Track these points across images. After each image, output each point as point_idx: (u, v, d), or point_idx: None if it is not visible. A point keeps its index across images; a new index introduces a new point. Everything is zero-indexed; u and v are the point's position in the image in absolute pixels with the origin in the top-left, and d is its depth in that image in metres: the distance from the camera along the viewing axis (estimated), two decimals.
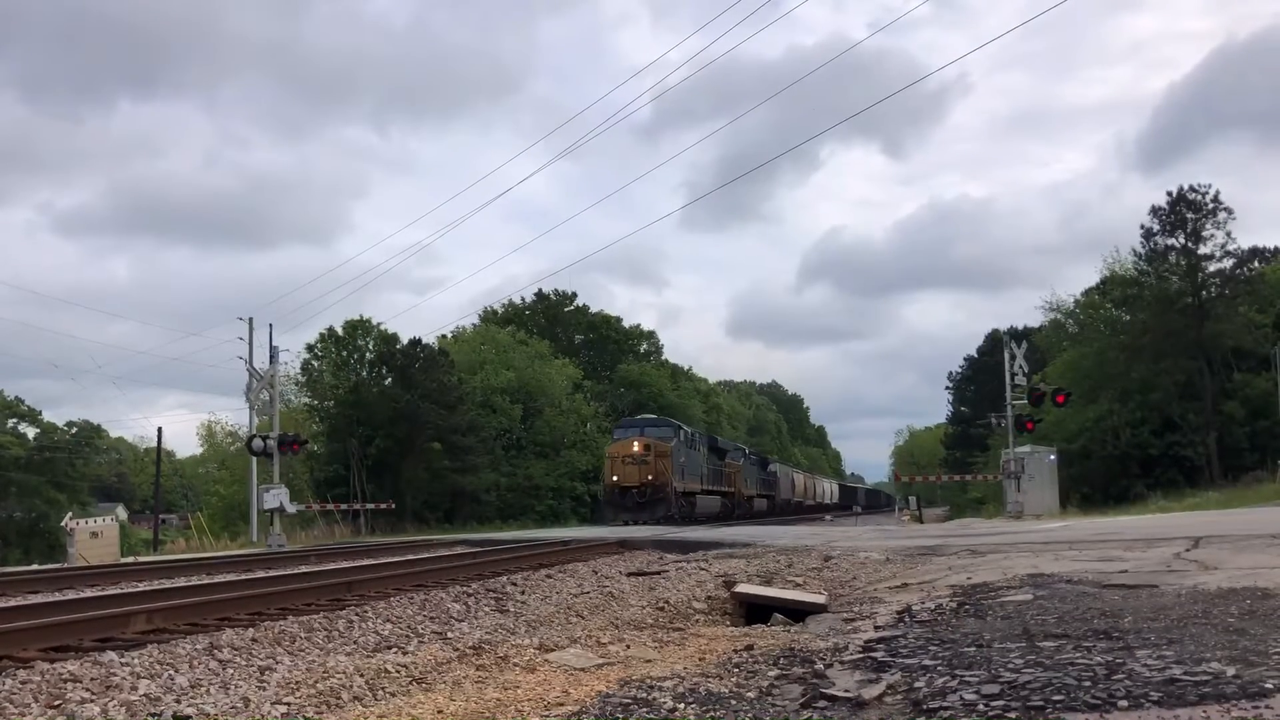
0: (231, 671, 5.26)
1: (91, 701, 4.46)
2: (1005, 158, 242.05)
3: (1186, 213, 41.51)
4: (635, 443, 33.73)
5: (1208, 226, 41.20)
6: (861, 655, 4.71)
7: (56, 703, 4.43)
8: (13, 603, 7.76)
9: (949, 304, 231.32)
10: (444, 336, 55.94)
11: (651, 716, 3.70)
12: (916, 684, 3.89)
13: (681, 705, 3.81)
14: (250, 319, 32.83)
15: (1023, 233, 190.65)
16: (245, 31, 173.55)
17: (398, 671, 4.98)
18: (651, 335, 79.48)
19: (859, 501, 76.34)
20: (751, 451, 54.11)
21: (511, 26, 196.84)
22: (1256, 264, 47.89)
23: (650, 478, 32.54)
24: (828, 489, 73.04)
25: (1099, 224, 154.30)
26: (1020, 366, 30.15)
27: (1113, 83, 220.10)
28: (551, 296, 72.35)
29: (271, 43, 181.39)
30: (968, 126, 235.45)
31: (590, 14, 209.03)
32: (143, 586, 9.40)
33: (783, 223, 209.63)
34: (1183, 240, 41.78)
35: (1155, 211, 42.39)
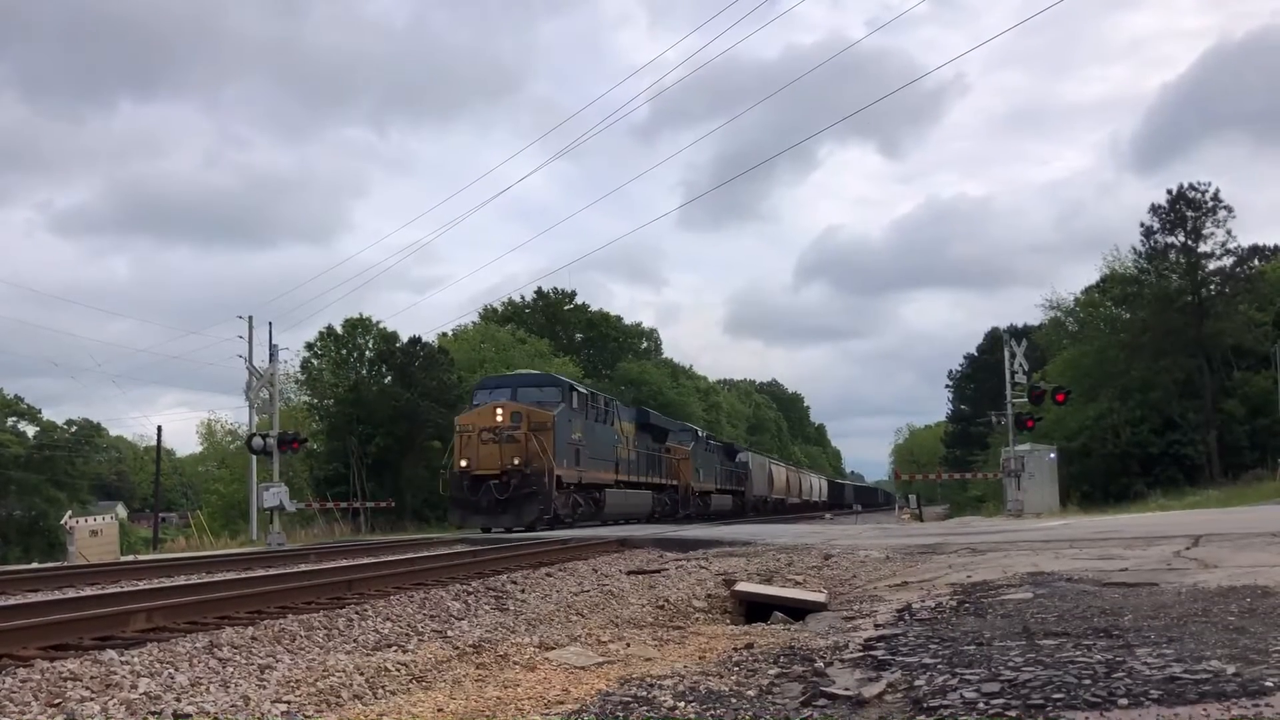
0: (231, 670, 5.25)
1: (91, 700, 4.45)
2: (1003, 156, 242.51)
3: (1186, 211, 41.53)
4: (498, 410, 22.94)
5: (1208, 225, 41.26)
6: (862, 653, 4.71)
7: (56, 701, 4.42)
8: (12, 601, 7.76)
9: (947, 303, 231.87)
10: (444, 335, 55.96)
11: (652, 715, 3.69)
12: (917, 682, 3.89)
13: (682, 704, 3.80)
14: (250, 317, 32.78)
15: (1020, 231, 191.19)
16: (246, 32, 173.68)
17: (398, 670, 4.97)
18: (651, 333, 79.57)
19: (849, 499, 73.68)
20: (710, 436, 44.00)
21: (510, 27, 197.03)
22: (1256, 262, 47.91)
23: (517, 462, 22.11)
24: (816, 485, 66.33)
25: (1096, 222, 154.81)
26: (1020, 365, 30.15)
27: (1111, 80, 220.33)
28: (551, 295, 72.40)
29: (272, 43, 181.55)
30: (965, 125, 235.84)
31: (588, 14, 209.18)
32: (142, 585, 9.40)
33: (780, 222, 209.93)
34: (1183, 238, 41.82)
35: (1155, 209, 42.46)
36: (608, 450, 27.11)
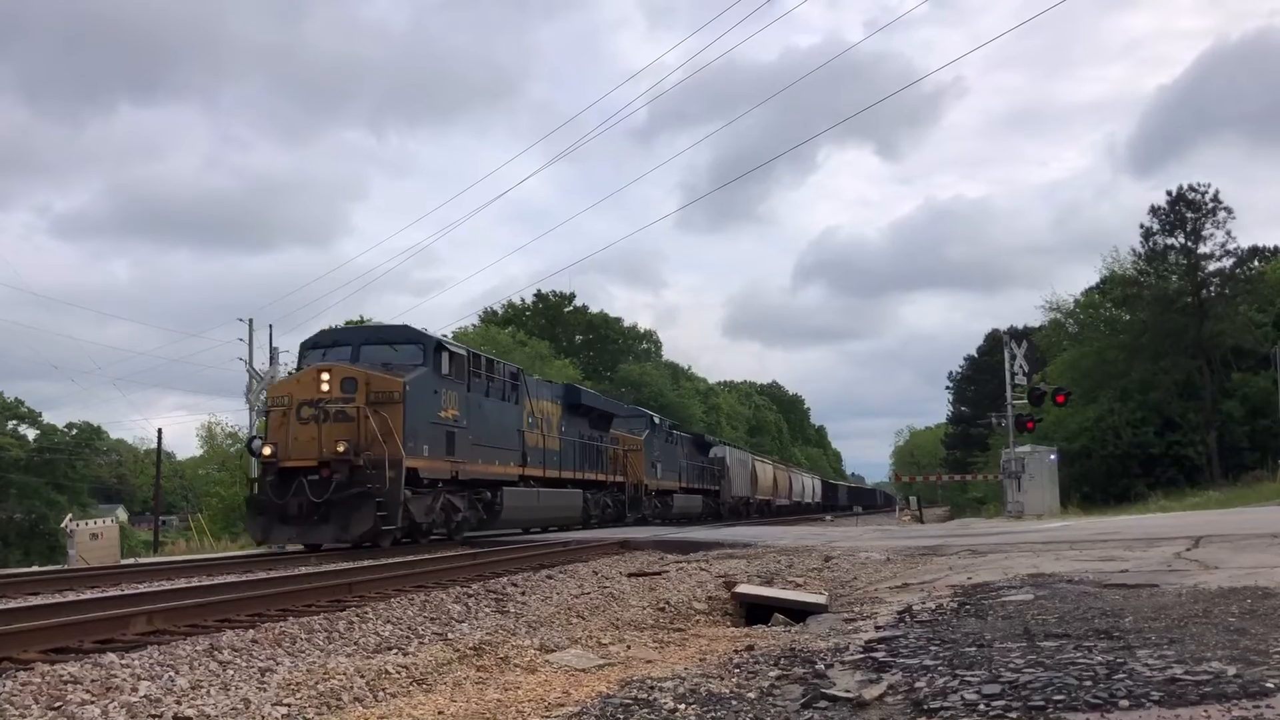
0: (232, 673, 5.25)
1: (92, 703, 4.45)
2: (1001, 158, 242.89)
3: (1186, 212, 41.57)
4: (323, 375, 15.69)
5: (1207, 226, 41.29)
6: (862, 655, 4.71)
7: (57, 704, 4.42)
8: (13, 604, 7.75)
9: (944, 304, 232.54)
10: (444, 337, 55.92)
11: (652, 717, 3.69)
12: (917, 684, 3.89)
13: (682, 706, 3.80)
14: (250, 320, 32.82)
15: (1017, 233, 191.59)
16: (246, 36, 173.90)
17: (398, 672, 4.97)
18: (651, 335, 79.56)
19: (843, 501, 71.21)
20: (675, 426, 37.31)
21: (508, 31, 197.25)
22: (1256, 263, 47.95)
23: (342, 449, 14.93)
24: (809, 486, 61.74)
25: (1093, 223, 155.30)
26: (1020, 366, 30.16)
27: (1109, 81, 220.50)
28: (551, 297, 72.42)
29: (272, 47, 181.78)
30: (963, 126, 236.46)
31: (587, 18, 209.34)
32: (143, 588, 9.39)
33: (779, 223, 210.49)
34: (1182, 239, 41.85)
35: (1155, 211, 42.50)
36: (509, 436, 19.84)
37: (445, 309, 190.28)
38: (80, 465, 61.66)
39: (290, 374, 17.68)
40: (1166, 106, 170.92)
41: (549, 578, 10.60)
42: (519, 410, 20.62)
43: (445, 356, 17.42)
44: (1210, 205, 41.27)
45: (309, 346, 17.67)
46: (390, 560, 12.70)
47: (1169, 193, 42.26)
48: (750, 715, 3.64)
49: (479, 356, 19.54)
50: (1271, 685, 3.46)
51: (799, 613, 7.57)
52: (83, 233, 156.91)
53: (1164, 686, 3.51)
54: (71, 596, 8.60)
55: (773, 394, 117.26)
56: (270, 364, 30.66)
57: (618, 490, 27.06)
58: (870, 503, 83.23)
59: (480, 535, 19.29)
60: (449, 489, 17.36)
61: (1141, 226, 42.80)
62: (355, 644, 6.36)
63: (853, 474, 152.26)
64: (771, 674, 4.40)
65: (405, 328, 17.88)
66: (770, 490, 48.03)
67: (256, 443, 16.67)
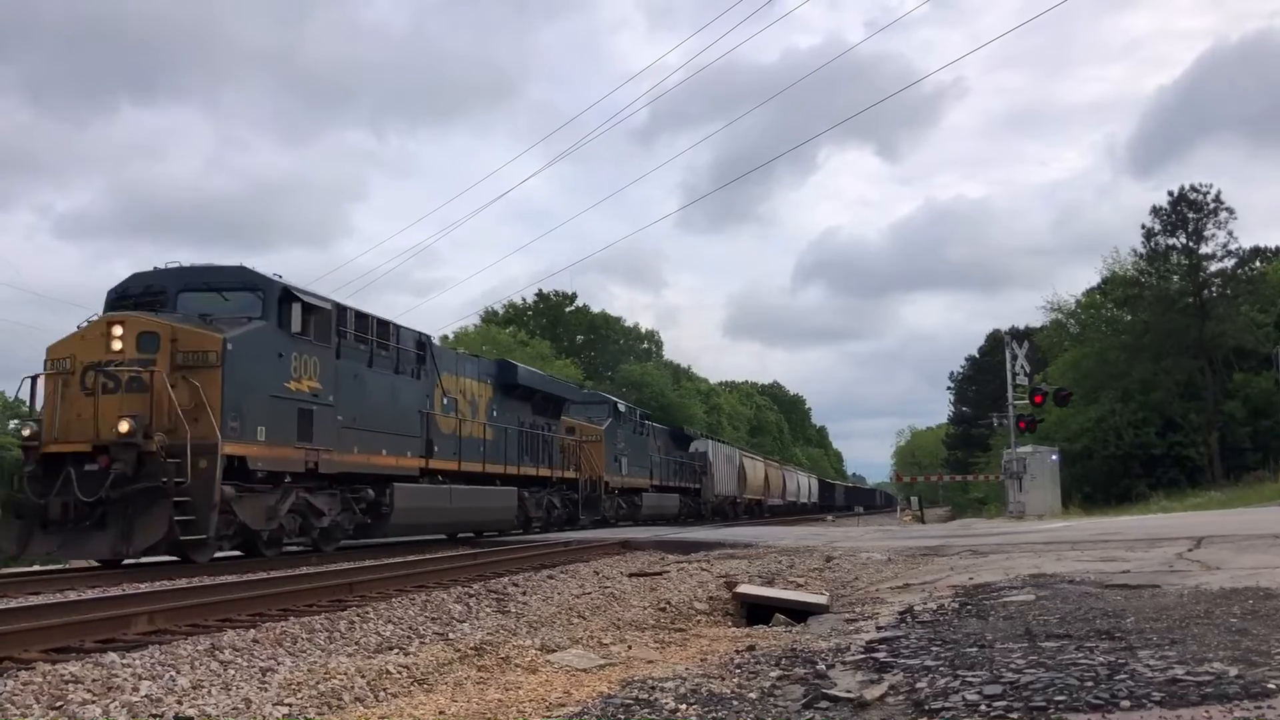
0: (233, 672, 5.26)
1: (93, 703, 4.46)
2: (1001, 158, 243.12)
3: (1188, 212, 41.53)
4: (115, 330, 11.68)
5: (1209, 226, 41.25)
6: (863, 656, 4.71)
7: (58, 704, 4.42)
8: (14, 604, 7.76)
9: (945, 304, 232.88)
10: (445, 337, 55.89)
11: (653, 717, 3.69)
12: (918, 684, 3.89)
13: (683, 706, 3.80)
14: None
15: (1018, 234, 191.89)
16: (246, 37, 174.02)
17: (399, 672, 4.97)
18: (652, 335, 79.54)
19: (841, 502, 69.49)
20: (646, 415, 32.99)
21: (508, 32, 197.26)
22: (1258, 264, 47.94)
23: (125, 429, 11.03)
24: (804, 486, 58.57)
25: (1093, 224, 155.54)
26: (1022, 366, 30.15)
27: (1109, 81, 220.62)
28: (552, 297, 72.41)
29: (273, 48, 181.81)
30: (964, 126, 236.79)
31: (587, 19, 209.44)
32: (144, 588, 9.39)
33: (779, 224, 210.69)
34: (1184, 240, 41.82)
35: (1156, 211, 42.45)
36: (405, 419, 15.88)
37: (446, 309, 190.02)
38: None
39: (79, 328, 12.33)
40: (1166, 107, 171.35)
41: (550, 578, 10.61)
42: (424, 387, 16.62)
43: (297, 309, 12.99)
44: (1212, 205, 41.25)
45: (116, 296, 13.12)
46: (391, 560, 12.71)
47: (1171, 193, 42.26)
48: (751, 715, 3.64)
49: (360, 315, 14.86)
50: (1273, 686, 3.45)
51: (800, 613, 7.57)
52: (84, 233, 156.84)
53: (1165, 687, 3.51)
54: (73, 596, 8.60)
55: (774, 394, 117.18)
56: None
57: (563, 487, 22.85)
58: (869, 503, 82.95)
59: (364, 544, 15.99)
60: (308, 485, 13.34)
61: (1143, 227, 42.79)
62: (356, 644, 6.37)
63: (854, 474, 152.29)
64: (773, 674, 4.40)
65: (241, 269, 13.19)
66: (761, 489, 44.93)
67: (14, 423, 11.70)
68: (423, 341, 16.86)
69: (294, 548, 14.07)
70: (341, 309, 14.38)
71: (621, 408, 28.58)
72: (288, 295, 13.01)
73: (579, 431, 24.55)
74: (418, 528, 16.87)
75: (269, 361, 12.60)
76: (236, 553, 13.34)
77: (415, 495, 15.83)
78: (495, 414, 19.55)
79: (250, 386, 12.16)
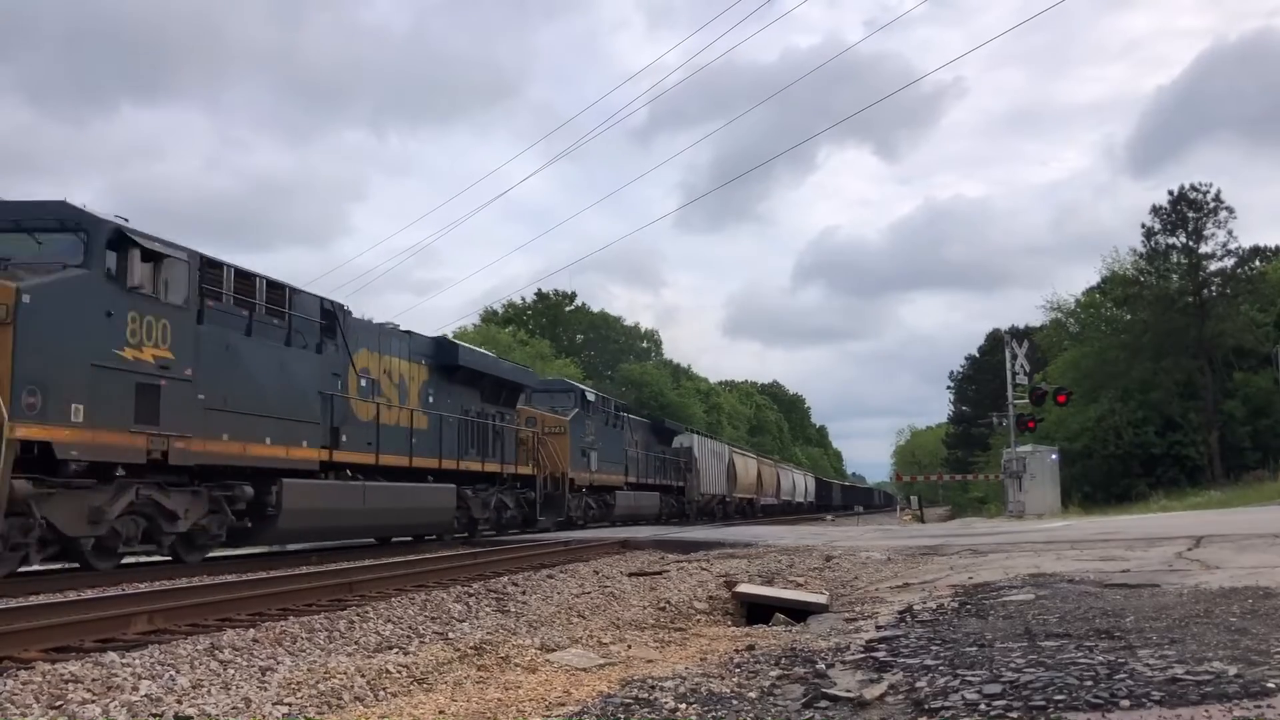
0: (232, 672, 5.26)
1: (93, 702, 4.46)
2: (1000, 157, 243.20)
3: (1187, 211, 41.54)
4: None
5: (1209, 225, 41.26)
6: (863, 655, 4.71)
7: (58, 703, 4.43)
8: (13, 603, 7.76)
9: (944, 304, 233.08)
10: (445, 337, 55.92)
11: (653, 717, 3.69)
12: (918, 684, 3.89)
13: (683, 705, 3.80)
14: None
15: (1017, 233, 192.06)
16: (247, 37, 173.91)
17: (399, 672, 4.97)
18: (652, 334, 79.56)
19: (838, 501, 68.11)
20: (623, 406, 30.86)
21: (508, 32, 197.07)
22: (1258, 263, 47.93)
23: None
24: (800, 485, 55.94)
25: (1092, 223, 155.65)
26: (1021, 366, 30.14)
27: (1108, 81, 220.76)
28: (551, 296, 72.43)
29: (273, 48, 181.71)
30: (963, 126, 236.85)
31: (586, 19, 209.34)
32: (144, 587, 9.39)
33: (778, 223, 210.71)
34: (1184, 239, 41.82)
35: (1156, 210, 42.47)
36: (300, 401, 13.21)
37: (446, 309, 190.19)
38: None
39: None
40: (1166, 107, 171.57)
41: (549, 577, 10.61)
42: (330, 365, 14.08)
43: (135, 256, 10.39)
44: (1212, 205, 41.26)
45: None
46: (391, 560, 12.71)
47: (1170, 192, 42.27)
48: (751, 715, 3.64)
49: (242, 274, 12.32)
50: (1273, 685, 3.45)
51: (800, 612, 7.57)
52: None
53: (1165, 686, 3.51)
54: (72, 595, 8.60)
55: (773, 394, 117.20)
56: None
57: (518, 485, 20.52)
58: (868, 502, 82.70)
59: (241, 555, 13.80)
60: (155, 480, 10.95)
61: (1143, 226, 42.80)
62: (356, 643, 6.37)
63: (853, 474, 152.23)
64: (772, 674, 4.40)
65: (61, 203, 10.56)
66: (753, 488, 42.33)
67: None
68: (330, 310, 14.14)
69: (142, 558, 11.83)
70: (209, 262, 11.69)
71: (590, 396, 25.98)
72: (122, 239, 10.37)
73: (540, 422, 22.14)
74: (318, 532, 14.36)
75: (91, 322, 9.91)
76: (55, 565, 10.93)
77: (312, 493, 13.22)
78: (431, 399, 17.00)
79: (59, 353, 9.50)
